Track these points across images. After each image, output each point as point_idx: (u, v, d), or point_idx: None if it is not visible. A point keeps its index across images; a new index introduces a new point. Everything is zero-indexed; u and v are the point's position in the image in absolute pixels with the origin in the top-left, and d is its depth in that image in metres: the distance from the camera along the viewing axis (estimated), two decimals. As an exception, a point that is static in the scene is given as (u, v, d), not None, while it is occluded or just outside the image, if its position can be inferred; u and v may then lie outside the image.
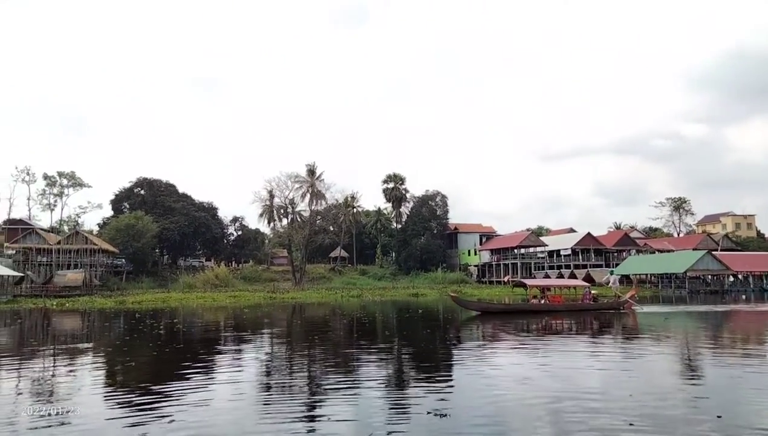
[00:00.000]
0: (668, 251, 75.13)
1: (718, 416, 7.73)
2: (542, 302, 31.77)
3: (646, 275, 69.18)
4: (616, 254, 79.68)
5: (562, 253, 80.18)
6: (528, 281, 36.40)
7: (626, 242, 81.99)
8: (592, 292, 34.62)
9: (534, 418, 7.96)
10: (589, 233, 79.74)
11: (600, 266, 76.58)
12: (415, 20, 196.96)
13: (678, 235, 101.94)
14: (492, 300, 36.39)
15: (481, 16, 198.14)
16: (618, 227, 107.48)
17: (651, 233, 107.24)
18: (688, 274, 60.66)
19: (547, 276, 75.10)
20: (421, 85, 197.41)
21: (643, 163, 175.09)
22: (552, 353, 15.02)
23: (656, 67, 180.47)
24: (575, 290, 35.25)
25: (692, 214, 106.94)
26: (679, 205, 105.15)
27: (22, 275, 58.37)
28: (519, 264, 77.95)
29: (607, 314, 29.31)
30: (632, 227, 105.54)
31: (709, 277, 64.75)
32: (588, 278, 69.87)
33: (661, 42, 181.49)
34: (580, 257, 77.60)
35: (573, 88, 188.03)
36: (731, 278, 65.58)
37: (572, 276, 71.48)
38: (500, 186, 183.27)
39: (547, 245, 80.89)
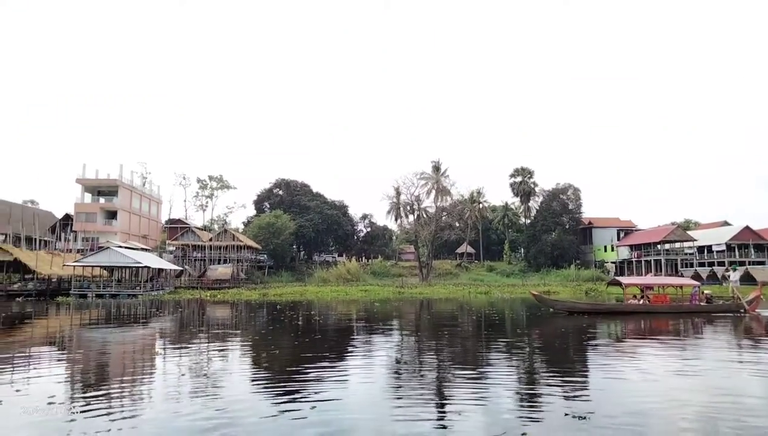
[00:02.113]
0: None
1: None
2: (641, 302, 28.20)
3: (824, 274, 59.95)
4: (782, 250, 70.27)
5: (714, 248, 72.35)
6: (625, 280, 32.06)
7: (795, 235, 71.88)
8: (706, 291, 29.94)
9: (681, 429, 7.23)
10: (747, 227, 71.05)
11: (762, 262, 68.00)
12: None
13: None
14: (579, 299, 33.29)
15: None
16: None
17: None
18: None
19: (696, 274, 68.37)
20: (550, 77, 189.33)
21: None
22: (693, 359, 13.55)
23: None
24: (681, 289, 30.56)
25: None
26: None
27: (181, 269, 65.43)
28: (663, 261, 71.73)
29: (724, 317, 24.91)
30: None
31: None
32: (747, 277, 62.44)
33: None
34: (737, 253, 69.42)
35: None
36: None
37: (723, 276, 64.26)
38: (641, 176, 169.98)
39: (696, 240, 73.44)
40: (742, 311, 26.56)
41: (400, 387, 10.08)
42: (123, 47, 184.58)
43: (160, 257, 64.61)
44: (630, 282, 31.34)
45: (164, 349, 15.75)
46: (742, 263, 67.34)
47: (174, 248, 74.64)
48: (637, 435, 6.96)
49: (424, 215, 79.41)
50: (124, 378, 11.10)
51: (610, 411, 8.01)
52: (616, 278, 35.73)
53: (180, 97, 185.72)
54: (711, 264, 70.30)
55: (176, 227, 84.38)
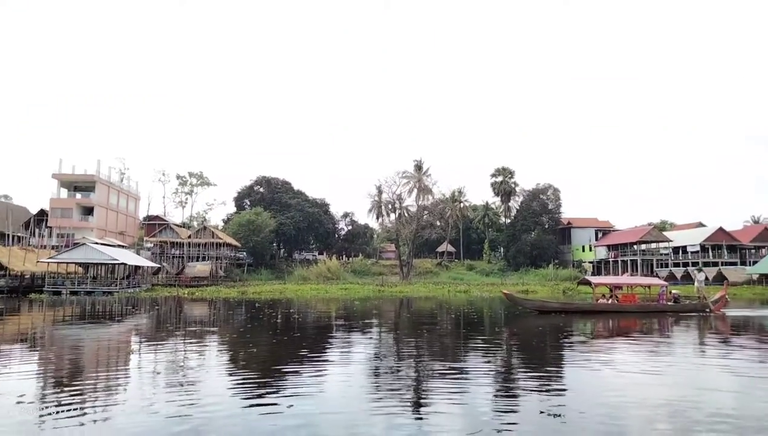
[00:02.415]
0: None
1: None
2: (610, 301, 28.53)
3: (793, 274, 61.62)
4: (753, 251, 71.93)
5: (689, 249, 73.83)
6: (594, 279, 32.58)
7: (766, 237, 73.64)
8: (674, 291, 30.39)
9: (655, 424, 7.34)
10: (721, 228, 72.65)
11: (734, 263, 69.63)
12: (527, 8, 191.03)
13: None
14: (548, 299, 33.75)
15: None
16: (756, 221, 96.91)
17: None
18: None
19: (671, 274, 69.72)
20: (533, 78, 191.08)
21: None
22: (664, 356, 13.83)
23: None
24: (649, 289, 30.96)
25: None
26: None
27: (159, 266, 64.62)
28: (639, 261, 73.01)
29: (691, 317, 25.28)
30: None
31: None
32: (720, 277, 63.83)
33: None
34: (710, 253, 70.95)
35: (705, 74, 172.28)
36: None
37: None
38: (618, 178, 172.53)
39: (671, 241, 74.86)
40: (707, 310, 27.12)
41: (377, 385, 10.08)
42: (101, 43, 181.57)
43: (138, 253, 63.67)
44: (599, 282, 31.78)
45: (139, 347, 15.54)
46: (715, 264, 68.85)
47: (152, 245, 73.72)
48: (610, 432, 7.05)
49: (406, 214, 79.61)
50: (98, 377, 10.91)
51: (582, 408, 8.11)
52: (586, 277, 36.22)
53: (160, 94, 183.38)
54: (686, 264, 71.68)
55: (154, 224, 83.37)
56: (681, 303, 28.85)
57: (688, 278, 66.80)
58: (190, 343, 16.30)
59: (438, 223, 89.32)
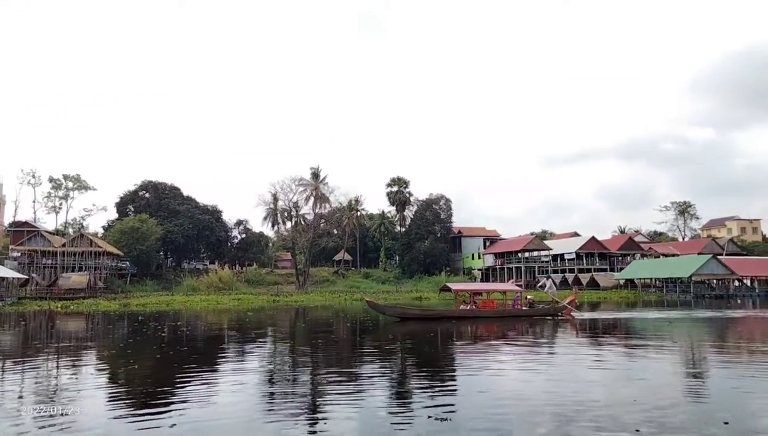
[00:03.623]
0: (673, 256, 74.75)
1: (725, 423, 7.64)
2: (470, 307, 29.82)
3: (651, 279, 68.90)
4: (620, 259, 79.47)
5: (566, 257, 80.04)
6: (453, 286, 33.99)
7: (631, 246, 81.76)
8: (528, 296, 32.86)
9: (537, 422, 7.88)
10: (593, 237, 79.50)
11: (605, 269, 76.46)
12: (417, 22, 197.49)
13: (683, 239, 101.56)
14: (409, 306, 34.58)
15: (482, 17, 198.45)
16: (622, 232, 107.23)
17: (656, 237, 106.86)
18: (693, 278, 60.35)
19: (550, 280, 74.97)
20: (425, 88, 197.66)
21: (648, 168, 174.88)
22: (540, 359, 14.92)
23: (662, 69, 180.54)
24: (505, 294, 33.08)
25: (697, 218, 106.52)
26: (684, 210, 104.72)
27: (27, 277, 58.63)
28: (523, 268, 77.87)
29: (545, 320, 27.40)
30: (637, 232, 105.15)
31: (714, 281, 64.40)
32: (592, 282, 69.78)
33: (666, 44, 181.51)
34: (585, 260, 77.46)
35: (578, 92, 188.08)
36: (736, 283, 65.29)
37: (576, 281, 71.37)
38: (505, 190, 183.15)
39: (551, 249, 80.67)
40: (559, 314, 29.44)
41: (270, 397, 9.87)
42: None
43: (2, 263, 57.34)
44: (459, 288, 33.18)
45: (1, 369, 13.97)
46: (588, 270, 75.17)
47: (19, 254, 66.75)
48: (498, 430, 7.43)
49: (302, 222, 78.78)
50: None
51: (469, 413, 8.49)
52: (446, 284, 37.34)
53: (26, 86, 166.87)
54: (564, 271, 77.60)
55: (22, 231, 75.60)
56: (535, 308, 31.00)
57: (565, 284, 72.36)
58: (63, 361, 14.95)
59: (335, 231, 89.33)
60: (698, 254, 70.18)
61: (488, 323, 26.02)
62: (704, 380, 11.63)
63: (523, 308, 30.46)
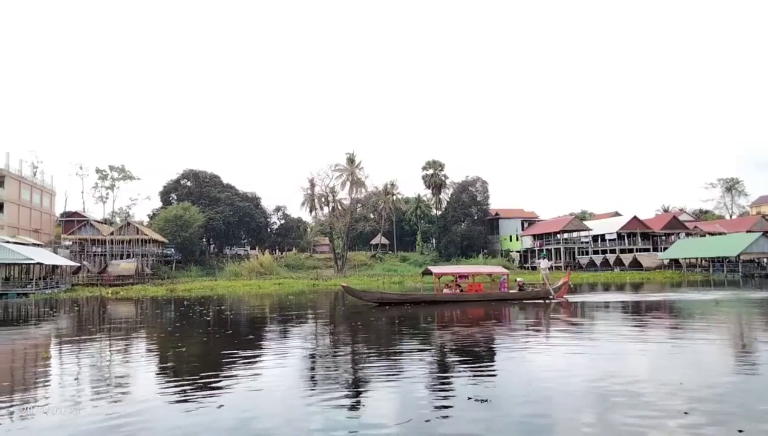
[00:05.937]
0: (720, 234, 72.18)
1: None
2: (455, 291, 28.66)
3: (697, 258, 66.79)
4: (664, 238, 77.29)
5: (607, 237, 78.35)
6: (435, 269, 32.01)
7: (675, 225, 79.35)
8: (518, 279, 31.32)
9: (578, 406, 7.85)
10: (635, 217, 77.52)
11: (647, 249, 74.64)
12: (446, 5, 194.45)
13: (730, 217, 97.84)
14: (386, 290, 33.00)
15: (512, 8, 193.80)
16: (666, 210, 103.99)
17: (701, 215, 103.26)
18: (741, 257, 58.17)
19: (591, 261, 73.58)
20: (460, 70, 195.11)
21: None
22: (582, 343, 14.73)
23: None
24: (491, 277, 31.12)
25: (746, 194, 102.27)
26: (731, 186, 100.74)
27: (79, 264, 61.20)
28: (562, 249, 76.72)
29: (536, 304, 25.81)
30: (681, 210, 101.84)
31: (765, 260, 61.98)
32: (635, 263, 68.10)
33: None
34: (627, 241, 75.69)
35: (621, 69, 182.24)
36: (789, 262, 62.69)
37: (618, 261, 69.82)
38: (543, 170, 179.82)
39: (591, 230, 79.06)
40: (550, 297, 27.61)
41: (312, 379, 10.13)
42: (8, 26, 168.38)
43: (55, 252, 59.95)
44: (441, 271, 31.58)
45: (59, 350, 14.74)
46: (630, 251, 73.44)
47: (70, 243, 69.65)
48: (535, 418, 7.45)
49: (339, 207, 79.47)
50: (14, 384, 10.29)
51: (510, 393, 8.53)
52: (428, 267, 35.32)
53: (72, 84, 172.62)
54: (604, 252, 76.00)
55: (73, 221, 78.76)
56: (525, 291, 29.20)
57: (606, 265, 70.88)
58: (115, 345, 15.65)
59: (371, 215, 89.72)
60: (747, 231, 67.55)
61: (471, 307, 24.90)
62: (754, 363, 11.29)
63: (511, 291, 29.08)
